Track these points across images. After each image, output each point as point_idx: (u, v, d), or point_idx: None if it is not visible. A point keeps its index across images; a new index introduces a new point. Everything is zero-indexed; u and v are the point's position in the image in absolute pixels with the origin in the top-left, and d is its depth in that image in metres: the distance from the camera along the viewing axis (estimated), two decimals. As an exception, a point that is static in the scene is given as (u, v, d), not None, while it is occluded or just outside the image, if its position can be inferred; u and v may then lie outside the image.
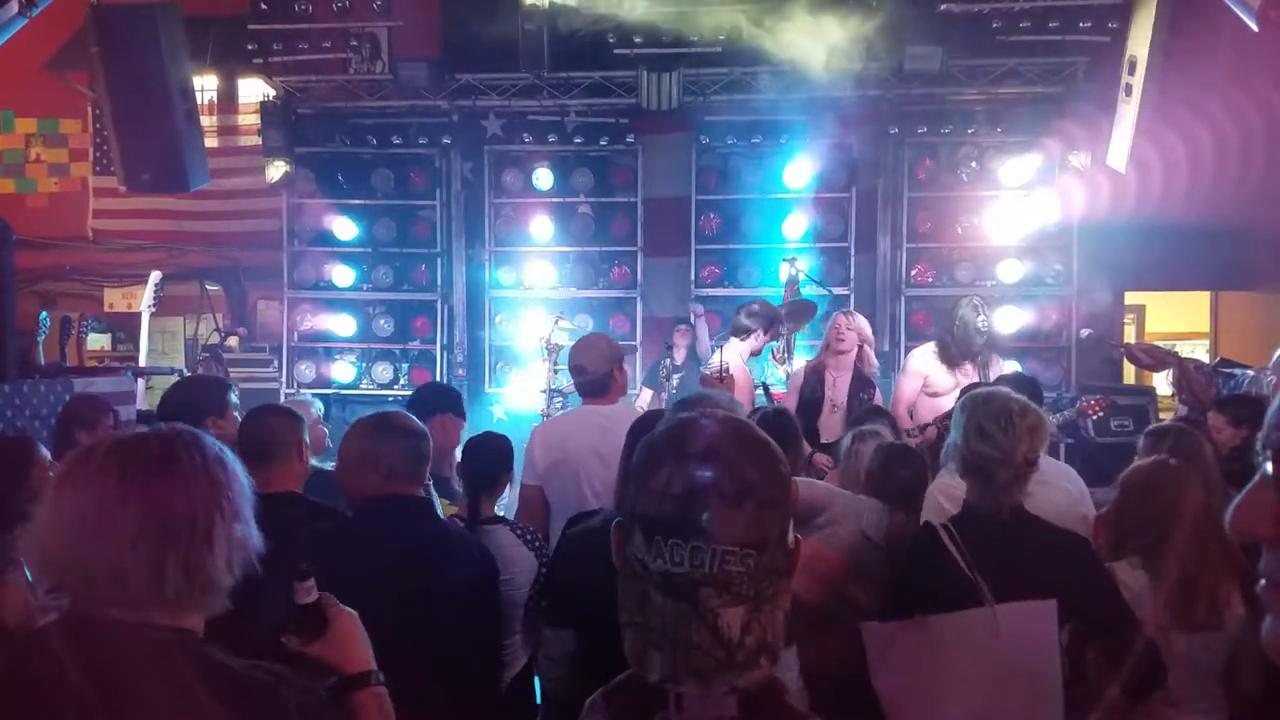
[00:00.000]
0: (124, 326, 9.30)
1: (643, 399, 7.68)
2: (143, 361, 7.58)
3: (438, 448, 2.86)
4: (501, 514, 3.33)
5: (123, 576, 1.32)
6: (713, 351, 6.10)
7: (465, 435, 3.75)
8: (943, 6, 7.55)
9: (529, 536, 3.16)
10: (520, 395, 8.44)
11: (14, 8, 5.24)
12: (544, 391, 6.73)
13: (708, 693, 1.13)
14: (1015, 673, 2.34)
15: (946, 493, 3.09)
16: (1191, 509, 2.71)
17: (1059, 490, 3.22)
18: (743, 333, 5.48)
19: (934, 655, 2.38)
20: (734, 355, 5.34)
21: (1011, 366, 6.84)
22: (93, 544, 1.32)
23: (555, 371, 6.71)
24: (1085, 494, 3.55)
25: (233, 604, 1.43)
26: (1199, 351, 9.48)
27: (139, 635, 1.33)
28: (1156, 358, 5.35)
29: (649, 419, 2.89)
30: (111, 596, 1.33)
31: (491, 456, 3.30)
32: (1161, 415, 7.10)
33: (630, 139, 8.73)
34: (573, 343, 4.10)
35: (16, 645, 1.40)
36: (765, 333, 5.49)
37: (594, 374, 3.84)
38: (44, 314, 6.58)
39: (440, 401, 3.91)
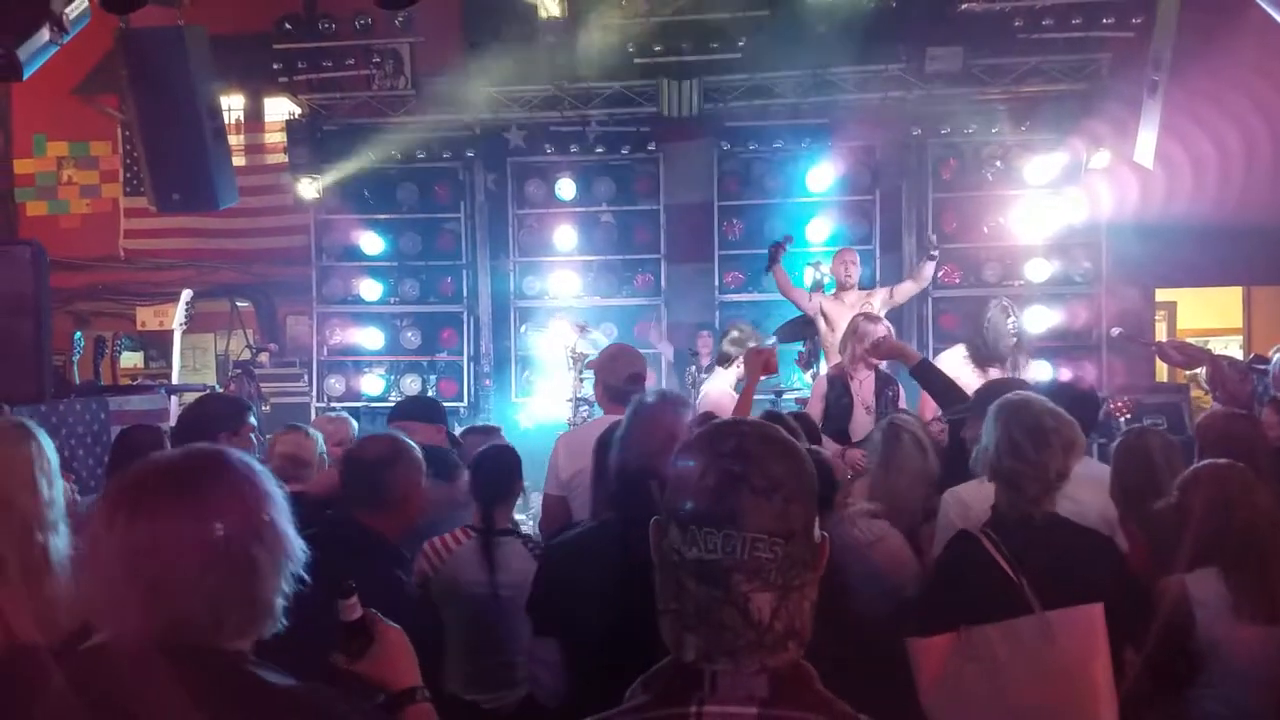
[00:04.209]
0: (156, 344, 9.42)
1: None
2: (175, 379, 7.67)
3: None
4: (514, 526, 3.34)
5: (181, 617, 1.29)
6: (702, 382, 6.25)
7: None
8: (963, 6, 7.51)
9: (539, 551, 3.18)
10: (547, 404, 8.46)
11: (45, 35, 5.33)
12: (570, 400, 6.75)
13: (739, 671, 1.19)
14: (1068, 680, 2.26)
15: (959, 501, 3.01)
16: (1265, 506, 2.58)
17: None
18: (726, 361, 5.51)
19: (985, 667, 2.29)
20: (724, 384, 5.37)
21: (1041, 367, 6.79)
22: (145, 588, 1.28)
23: (581, 380, 6.73)
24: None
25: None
26: (1232, 348, 9.34)
27: (192, 656, 1.30)
28: (1189, 355, 5.27)
29: (610, 432, 2.87)
30: (166, 632, 1.30)
31: (500, 469, 3.33)
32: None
33: (651, 147, 8.74)
34: (598, 352, 4.11)
35: (66, 663, 1.37)
36: None
37: (641, 378, 3.89)
38: (78, 333, 6.68)
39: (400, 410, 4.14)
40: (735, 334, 5.59)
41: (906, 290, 6.93)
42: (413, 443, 2.73)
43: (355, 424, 4.63)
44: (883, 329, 5.42)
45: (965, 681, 2.31)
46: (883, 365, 5.48)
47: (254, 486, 1.38)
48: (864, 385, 5.39)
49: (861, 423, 5.33)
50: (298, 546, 1.40)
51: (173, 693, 1.27)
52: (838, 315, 6.29)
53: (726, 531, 1.18)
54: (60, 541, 2.18)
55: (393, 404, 8.77)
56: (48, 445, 2.24)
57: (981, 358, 5.28)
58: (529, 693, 3.12)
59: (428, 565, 3.15)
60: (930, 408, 5.44)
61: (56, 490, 2.23)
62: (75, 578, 2.18)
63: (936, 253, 6.92)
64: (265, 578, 1.34)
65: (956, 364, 5.37)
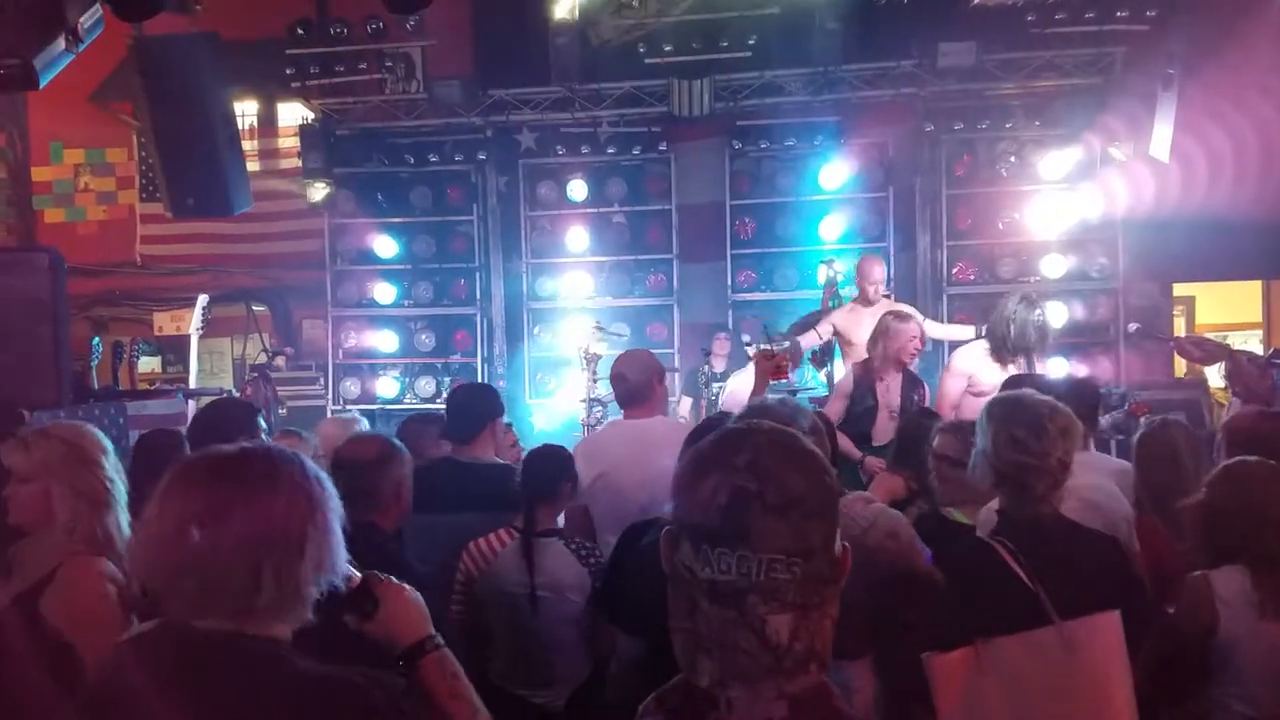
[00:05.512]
0: (173, 349, 9.48)
1: (683, 407, 7.67)
2: (193, 383, 7.71)
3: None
4: (558, 527, 3.29)
5: (221, 583, 1.38)
6: (727, 376, 6.14)
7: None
8: (975, 1, 7.46)
9: (583, 552, 3.17)
10: (561, 405, 8.47)
11: (61, 44, 5.37)
12: (584, 401, 6.75)
13: (756, 697, 1.14)
14: (1091, 692, 2.18)
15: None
16: None
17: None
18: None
19: (1004, 681, 2.18)
20: (750, 382, 5.33)
21: (1058, 362, 6.72)
22: (193, 551, 1.37)
23: (595, 380, 6.73)
24: (1122, 483, 3.36)
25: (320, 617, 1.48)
26: (1251, 342, 9.25)
27: (231, 644, 1.38)
28: (1207, 350, 5.22)
29: (708, 427, 2.87)
30: (206, 604, 1.39)
31: (549, 466, 3.27)
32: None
33: (663, 147, 8.75)
34: (611, 352, 4.11)
35: (112, 655, 1.45)
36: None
37: (632, 382, 3.84)
38: (96, 339, 6.73)
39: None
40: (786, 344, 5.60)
41: (934, 333, 6.52)
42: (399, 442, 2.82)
43: (365, 424, 4.64)
44: (915, 326, 5.28)
45: (982, 698, 2.17)
46: (912, 366, 5.36)
47: (311, 483, 1.48)
48: (890, 389, 5.23)
49: (884, 427, 5.14)
50: (342, 555, 1.49)
51: (212, 678, 1.36)
52: (854, 327, 6.00)
53: (741, 553, 1.11)
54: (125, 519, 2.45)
55: (407, 406, 8.83)
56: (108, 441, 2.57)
57: (1002, 352, 5.13)
58: (575, 689, 3.14)
59: (473, 567, 3.15)
60: (947, 405, 5.36)
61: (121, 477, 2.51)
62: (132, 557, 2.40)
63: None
64: (306, 567, 1.43)
65: (978, 359, 5.24)
